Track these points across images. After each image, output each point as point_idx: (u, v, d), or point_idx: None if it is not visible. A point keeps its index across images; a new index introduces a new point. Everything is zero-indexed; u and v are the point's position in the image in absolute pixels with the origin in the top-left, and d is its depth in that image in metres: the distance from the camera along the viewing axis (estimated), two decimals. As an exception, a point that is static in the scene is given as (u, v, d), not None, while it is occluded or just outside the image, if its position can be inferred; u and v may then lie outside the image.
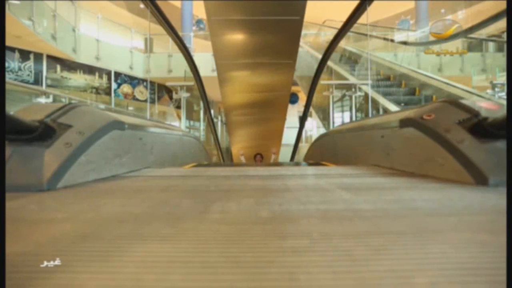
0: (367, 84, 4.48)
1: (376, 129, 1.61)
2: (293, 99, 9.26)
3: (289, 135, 6.93)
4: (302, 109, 5.94)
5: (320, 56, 4.77)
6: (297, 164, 3.07)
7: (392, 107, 4.13)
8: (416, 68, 5.47)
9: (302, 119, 5.80)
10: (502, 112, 1.04)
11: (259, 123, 6.46)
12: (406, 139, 1.28)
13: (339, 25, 4.02)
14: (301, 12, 3.89)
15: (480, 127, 1.03)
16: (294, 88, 7.37)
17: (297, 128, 6.20)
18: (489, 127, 1.01)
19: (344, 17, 3.88)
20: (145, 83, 6.40)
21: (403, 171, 1.26)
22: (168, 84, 6.22)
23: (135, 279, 0.29)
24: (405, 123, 1.29)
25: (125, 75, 6.29)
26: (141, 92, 6.29)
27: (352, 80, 5.13)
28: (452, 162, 0.98)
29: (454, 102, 1.17)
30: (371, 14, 3.62)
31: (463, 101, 1.17)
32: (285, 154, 7.02)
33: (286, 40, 4.41)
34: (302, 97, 8.56)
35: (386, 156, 1.45)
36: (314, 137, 5.25)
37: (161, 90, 6.67)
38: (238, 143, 6.93)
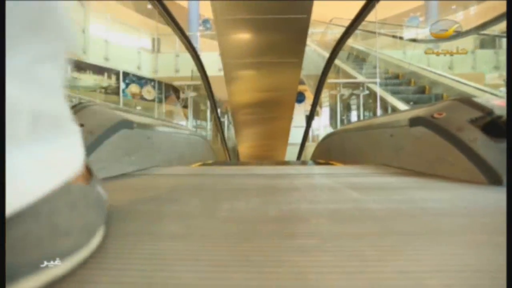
0: (375, 83, 4.43)
1: (385, 128, 1.59)
2: (300, 98, 9.21)
3: (296, 134, 6.90)
4: (309, 108, 5.91)
5: (327, 55, 4.73)
6: (304, 163, 3.05)
7: (401, 106, 4.07)
8: (426, 66, 5.36)
9: (309, 118, 5.77)
10: (516, 110, 1.01)
11: (265, 122, 6.45)
12: (416, 138, 1.26)
13: (347, 23, 3.98)
14: (308, 10, 3.87)
15: (494, 126, 1.00)
16: (300, 87, 7.33)
17: (304, 127, 6.17)
18: (503, 125, 0.98)
19: (352, 15, 3.83)
20: (152, 83, 6.47)
21: (412, 170, 1.24)
22: (176, 83, 6.26)
23: (145, 276, 0.29)
24: (415, 122, 1.27)
25: (133, 75, 6.37)
26: (149, 92, 6.37)
27: (360, 78, 5.07)
28: (464, 162, 0.96)
29: (465, 100, 1.15)
30: (380, 12, 3.56)
31: (475, 99, 1.14)
32: (292, 153, 6.99)
33: (293, 39, 4.39)
34: (309, 96, 8.50)
35: (395, 155, 1.43)
36: (321, 137, 5.22)
37: (169, 90, 6.73)
38: (245, 142, 6.93)
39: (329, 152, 2.98)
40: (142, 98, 6.32)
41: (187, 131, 2.88)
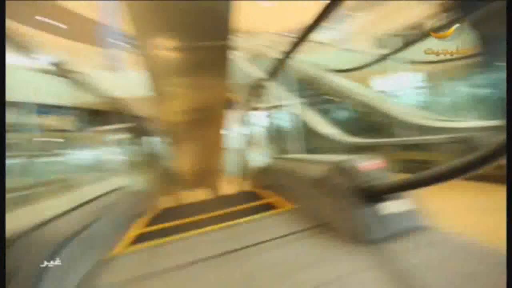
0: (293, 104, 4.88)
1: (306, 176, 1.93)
2: (229, 105, 9.39)
3: (234, 140, 7.11)
4: (241, 113, 6.18)
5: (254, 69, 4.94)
6: (252, 206, 2.68)
7: (314, 118, 4.58)
8: (327, 70, 6.06)
9: (241, 125, 6.09)
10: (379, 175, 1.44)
11: (198, 136, 6.48)
12: (321, 195, 1.66)
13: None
14: (227, 36, 4.08)
15: (365, 191, 1.42)
16: (231, 95, 7.53)
17: (240, 133, 6.41)
18: (372, 192, 1.41)
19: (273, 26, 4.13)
20: (71, 111, 5.73)
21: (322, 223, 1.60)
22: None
23: None
24: (315, 184, 1.68)
25: (44, 105, 5.48)
26: (66, 122, 5.67)
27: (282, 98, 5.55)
28: (343, 222, 1.40)
29: (345, 167, 1.56)
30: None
31: (349, 165, 1.53)
32: (231, 161, 7.19)
33: (216, 60, 4.57)
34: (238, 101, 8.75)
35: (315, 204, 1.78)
36: (259, 137, 5.54)
37: (95, 116, 6.05)
38: (183, 159, 6.86)
39: (271, 183, 3.22)
40: (58, 130, 5.57)
41: (108, 199, 2.40)
